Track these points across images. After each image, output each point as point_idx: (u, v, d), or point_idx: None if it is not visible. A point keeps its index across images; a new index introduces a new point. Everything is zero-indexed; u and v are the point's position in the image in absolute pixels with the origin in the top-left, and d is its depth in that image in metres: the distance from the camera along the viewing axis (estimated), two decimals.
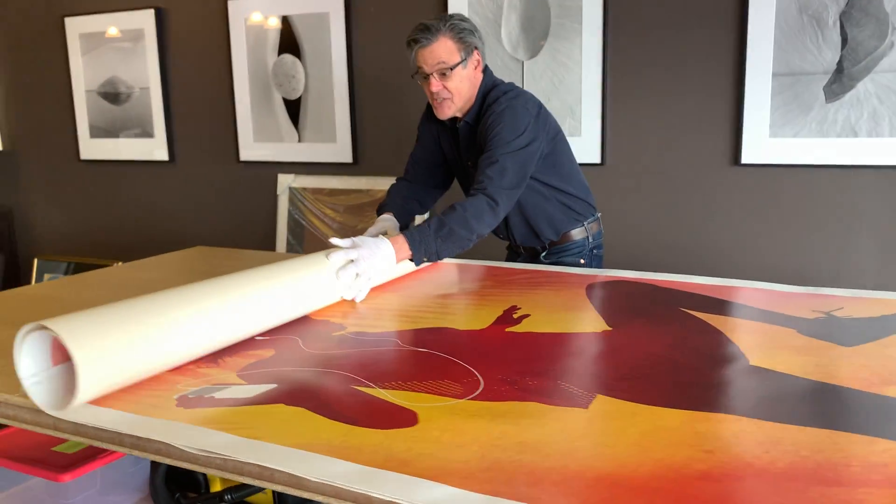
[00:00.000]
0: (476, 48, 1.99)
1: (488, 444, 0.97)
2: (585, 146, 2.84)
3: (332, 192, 3.34)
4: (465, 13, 2.95)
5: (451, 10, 2.98)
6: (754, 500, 0.83)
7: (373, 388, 1.16)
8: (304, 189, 3.40)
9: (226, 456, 0.93)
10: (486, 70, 2.05)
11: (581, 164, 2.84)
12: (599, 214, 2.25)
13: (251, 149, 3.51)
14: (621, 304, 1.68)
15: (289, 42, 3.33)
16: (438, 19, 1.95)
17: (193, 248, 2.45)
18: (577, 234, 2.16)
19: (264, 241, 3.55)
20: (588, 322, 1.50)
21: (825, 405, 1.09)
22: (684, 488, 0.85)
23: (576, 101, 2.84)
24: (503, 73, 2.92)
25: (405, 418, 1.05)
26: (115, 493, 1.69)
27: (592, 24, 2.77)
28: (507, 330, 1.46)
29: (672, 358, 1.30)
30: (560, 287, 1.79)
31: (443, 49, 1.92)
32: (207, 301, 1.32)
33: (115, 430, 1.03)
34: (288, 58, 3.35)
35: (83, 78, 3.88)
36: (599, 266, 2.23)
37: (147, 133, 3.76)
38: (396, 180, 2.20)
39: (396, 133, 3.16)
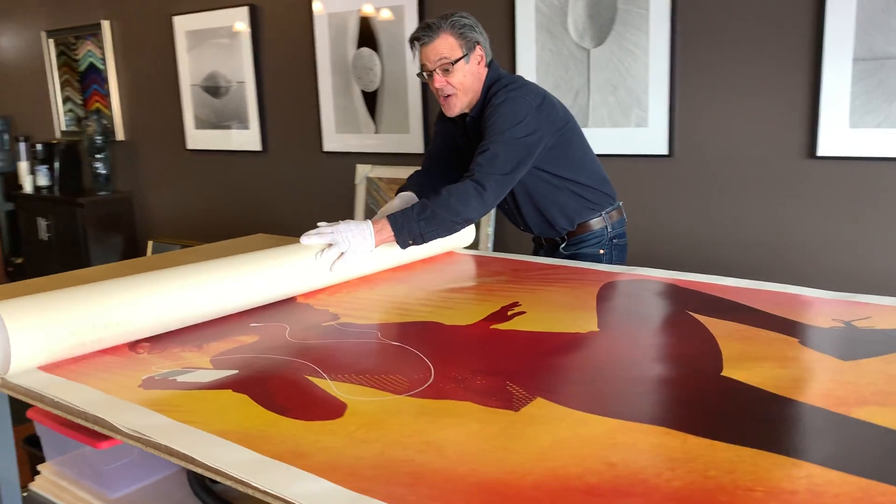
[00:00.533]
0: (478, 43, 1.99)
1: (394, 441, 0.98)
2: (652, 137, 2.74)
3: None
4: (532, 1, 2.91)
5: (517, 2, 2.95)
6: None
7: (324, 379, 1.20)
8: (380, 179, 3.48)
9: (147, 437, 1.00)
10: (491, 64, 2.05)
11: (647, 156, 2.76)
12: (620, 203, 2.20)
13: (333, 140, 3.63)
14: (626, 304, 1.62)
15: (366, 35, 3.41)
16: (440, 17, 1.97)
17: (255, 235, 2.58)
18: (595, 223, 2.13)
19: None
20: (580, 322, 1.46)
21: (770, 423, 1.02)
22: (562, 500, 0.83)
23: (642, 90, 2.73)
24: (569, 63, 2.86)
25: (332, 411, 1.08)
26: (152, 463, 1.83)
27: (660, 11, 2.65)
28: (491, 327, 1.45)
29: (640, 364, 1.25)
30: (575, 284, 1.74)
31: (444, 45, 1.94)
32: (160, 276, 1.42)
33: (69, 403, 1.12)
34: (366, 51, 3.43)
35: (189, 73, 4.16)
36: (622, 256, 2.18)
37: (243, 125, 3.98)
38: (414, 172, 2.23)
39: None
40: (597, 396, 1.12)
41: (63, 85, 4.90)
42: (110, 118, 4.63)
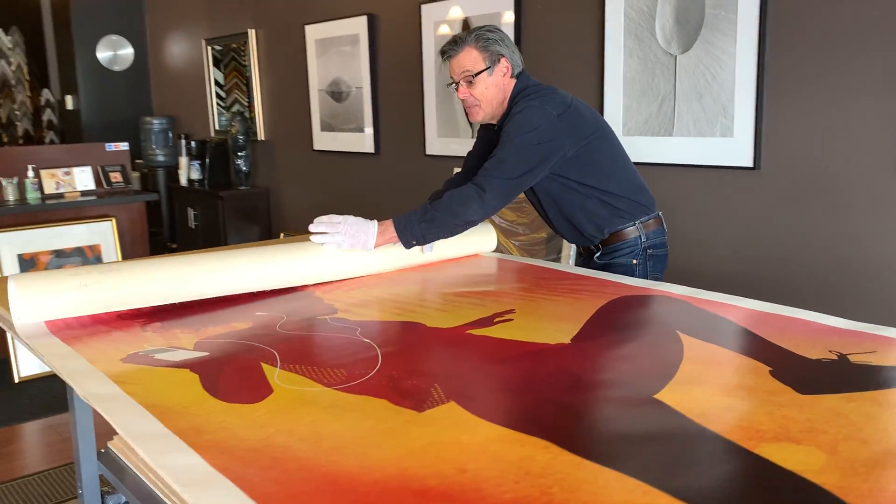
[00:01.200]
0: (503, 56, 2.00)
1: (286, 429, 1.05)
2: (737, 148, 2.59)
3: None
4: (622, 6, 2.85)
5: (607, 6, 2.90)
6: None
7: (274, 367, 1.29)
8: None
9: (91, 402, 1.14)
10: (520, 76, 2.05)
11: (731, 168, 2.62)
12: (659, 213, 2.14)
13: (435, 144, 3.75)
14: (618, 319, 1.58)
15: None
16: (468, 32, 2.02)
17: None
18: (629, 232, 2.08)
19: None
20: (557, 334, 1.45)
21: (658, 448, 0.98)
22: (385, 498, 0.86)
23: (728, 98, 2.60)
24: (655, 69, 2.78)
25: (256, 396, 1.17)
26: None
27: (749, 14, 2.51)
28: (467, 332, 1.48)
29: (579, 379, 1.24)
30: (587, 296, 1.72)
31: (467, 58, 2.00)
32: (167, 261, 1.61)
33: (52, 365, 1.30)
34: None
35: (316, 78, 4.44)
36: (658, 266, 2.12)
37: (359, 128, 4.19)
38: (454, 174, 2.30)
39: None
40: (507, 406, 1.13)
41: (231, 88, 5.36)
42: (253, 119, 5.04)
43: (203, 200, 5.10)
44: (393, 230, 1.86)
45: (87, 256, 4.10)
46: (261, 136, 5.05)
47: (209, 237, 5.02)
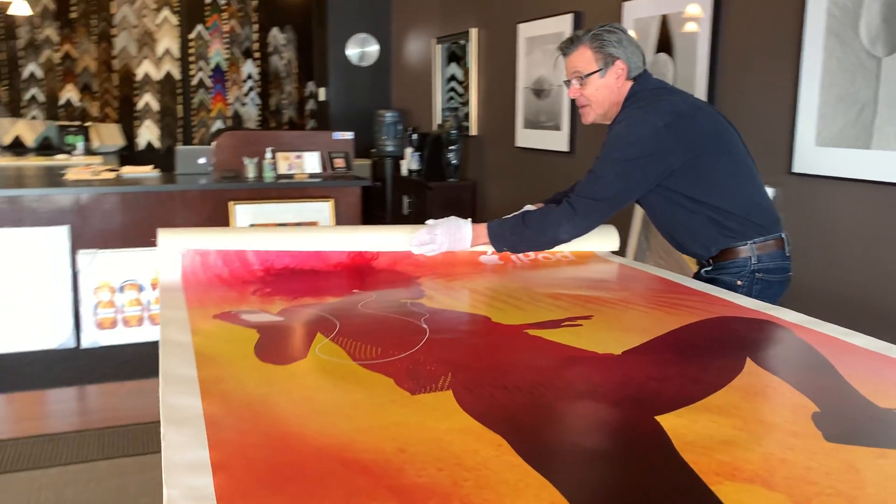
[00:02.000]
0: (619, 58, 1.90)
1: (285, 390, 1.16)
2: None
3: None
4: (825, 1, 2.57)
5: (809, 1, 2.63)
6: (333, 486, 0.88)
7: (325, 338, 1.41)
8: None
9: (160, 345, 1.34)
10: (638, 78, 1.93)
11: None
12: (782, 235, 1.95)
13: None
14: (692, 338, 1.48)
15: (664, 41, 3.35)
16: (586, 31, 1.95)
17: None
18: (739, 251, 1.92)
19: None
20: (613, 344, 1.41)
21: (605, 466, 0.94)
22: (315, 464, 0.94)
23: None
24: (856, 73, 2.48)
25: (287, 360, 1.30)
26: None
27: None
28: (525, 331, 1.49)
29: (596, 391, 1.20)
30: (684, 312, 1.63)
31: (580, 59, 1.96)
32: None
33: (158, 307, 1.54)
34: (662, 56, 3.37)
35: (523, 76, 4.53)
36: (768, 293, 1.92)
37: (556, 126, 4.21)
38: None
39: (765, 136, 2.88)
40: (493, 402, 1.13)
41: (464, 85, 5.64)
42: (467, 115, 5.26)
43: (417, 189, 5.43)
44: (486, 234, 1.91)
45: None
46: (473, 130, 5.26)
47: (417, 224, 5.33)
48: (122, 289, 4.00)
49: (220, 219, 4.39)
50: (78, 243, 4.05)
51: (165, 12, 7.40)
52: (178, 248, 1.86)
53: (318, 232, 2.01)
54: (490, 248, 2.10)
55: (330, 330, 1.46)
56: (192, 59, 7.58)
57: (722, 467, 0.94)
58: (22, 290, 3.90)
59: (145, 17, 7.37)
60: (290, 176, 4.75)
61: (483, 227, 1.94)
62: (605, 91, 1.98)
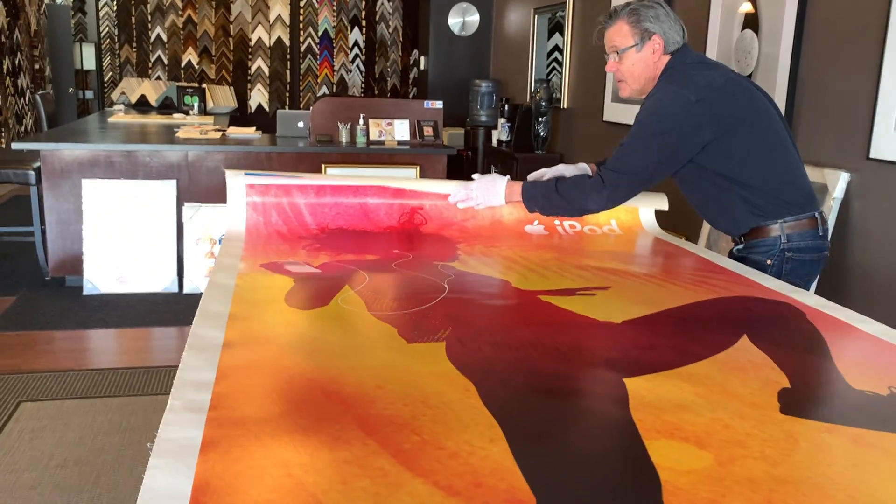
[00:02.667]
0: (656, 33, 1.90)
1: (298, 332, 1.32)
2: None
3: None
4: None
5: None
6: (310, 410, 1.02)
7: (351, 289, 1.56)
8: None
9: (208, 286, 1.53)
10: (676, 53, 1.93)
11: None
12: (815, 214, 1.93)
13: None
14: (699, 313, 1.52)
15: (750, 18, 3.27)
16: (625, 5, 1.94)
17: None
18: (770, 230, 1.92)
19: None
20: (619, 314, 1.48)
21: (550, 413, 1.03)
22: (305, 395, 1.08)
23: None
24: None
25: (310, 305, 1.45)
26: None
27: None
28: (539, 297, 1.58)
29: (580, 352, 1.29)
30: (704, 289, 1.68)
31: (616, 33, 1.96)
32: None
33: (221, 255, 1.73)
34: (748, 33, 3.29)
35: None
36: (799, 272, 1.93)
37: (639, 101, 4.17)
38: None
39: (844, 118, 2.79)
40: (476, 355, 1.24)
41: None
42: (559, 87, 5.27)
43: (504, 160, 5.51)
44: (518, 192, 1.99)
45: None
46: (564, 103, 5.26)
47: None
48: (220, 241, 4.32)
49: None
50: (184, 197, 4.39)
51: None
52: (243, 184, 2.06)
53: (372, 180, 2.17)
54: (536, 219, 2.19)
55: (358, 283, 1.61)
56: (301, 25, 7.90)
57: (665, 426, 1.02)
58: (133, 238, 4.29)
59: None
60: (380, 142, 4.93)
61: (518, 186, 2.03)
62: (640, 66, 1.99)
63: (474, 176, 2.10)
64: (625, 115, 4.38)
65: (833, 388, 1.18)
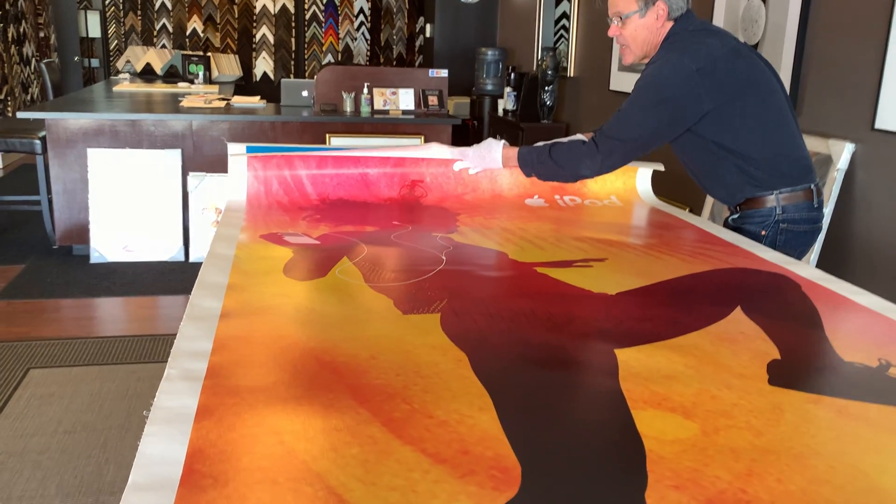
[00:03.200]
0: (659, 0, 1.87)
1: (295, 302, 1.33)
2: None
3: None
4: None
5: None
6: (303, 379, 1.04)
7: (349, 262, 1.57)
8: None
9: (207, 257, 1.54)
10: (680, 18, 1.92)
11: None
12: (811, 185, 1.93)
13: None
14: (694, 285, 1.53)
15: None
16: None
17: None
18: (765, 201, 1.92)
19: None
20: (613, 286, 1.49)
21: (541, 383, 1.05)
22: (300, 364, 1.10)
23: None
24: None
25: (308, 276, 1.46)
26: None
27: None
28: (534, 268, 1.59)
29: (572, 322, 1.30)
30: (700, 260, 1.68)
31: None
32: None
33: (221, 225, 1.74)
34: (755, 2, 3.25)
35: None
36: (793, 243, 1.94)
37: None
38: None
39: (850, 88, 2.76)
40: (471, 326, 1.26)
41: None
42: (566, 55, 5.22)
43: (510, 130, 5.48)
44: (515, 157, 2.03)
45: None
46: (571, 72, 5.22)
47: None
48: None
49: None
50: (189, 166, 4.40)
51: None
52: (244, 156, 2.07)
53: (373, 151, 2.19)
54: (536, 193, 2.19)
55: (357, 255, 1.62)
56: None
57: (653, 397, 1.03)
58: (139, 207, 4.31)
59: None
60: (385, 112, 4.91)
61: (515, 151, 2.05)
62: (643, 32, 1.97)
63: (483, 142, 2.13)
64: (629, 84, 4.34)
65: (823, 360, 1.19)
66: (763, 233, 1.94)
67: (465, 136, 6.32)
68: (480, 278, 1.54)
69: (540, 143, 2.07)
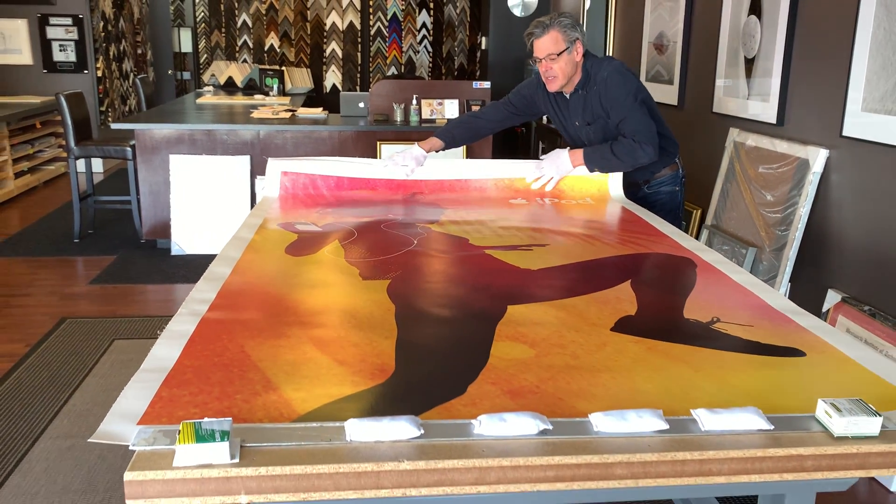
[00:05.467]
0: (578, 39, 2.47)
1: (281, 272, 1.78)
2: None
3: (752, 151, 3.47)
4: None
5: None
6: (272, 322, 1.48)
7: (338, 245, 2.02)
8: (742, 144, 3.61)
9: (231, 239, 2.02)
10: (587, 53, 2.51)
11: None
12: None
13: (721, 103, 3.85)
14: (603, 265, 1.90)
15: (756, 3, 3.50)
16: (550, 17, 2.46)
17: None
18: (676, 166, 2.74)
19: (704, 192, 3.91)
20: (540, 263, 1.88)
21: (447, 321, 1.47)
22: (275, 313, 1.55)
23: None
24: None
25: (300, 253, 1.92)
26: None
27: None
28: (485, 251, 1.99)
29: (490, 286, 1.70)
30: (628, 247, 2.05)
31: (551, 41, 2.46)
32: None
33: (252, 213, 2.22)
34: (752, 18, 3.53)
35: (648, 31, 4.76)
36: (682, 191, 2.77)
37: (670, 80, 4.44)
38: (467, 114, 2.98)
39: (824, 100, 3.02)
40: (408, 288, 1.68)
41: None
42: None
43: (552, 137, 5.84)
44: (581, 157, 2.59)
45: None
46: None
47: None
48: None
49: (370, 155, 5.13)
50: (256, 170, 4.97)
51: None
52: (279, 170, 2.56)
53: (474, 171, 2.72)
54: (520, 197, 2.61)
55: (346, 238, 2.07)
56: (371, 9, 8.40)
57: (515, 334, 1.43)
58: (213, 206, 4.91)
59: None
60: (432, 121, 5.36)
61: (579, 153, 2.60)
62: (570, 66, 2.53)
63: (542, 157, 2.70)
64: (657, 93, 4.65)
65: (665, 316, 1.55)
66: (676, 188, 2.67)
67: (514, 142, 6.71)
68: (437, 257, 1.95)
69: (599, 146, 2.62)
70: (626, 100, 2.50)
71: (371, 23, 8.45)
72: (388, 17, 8.41)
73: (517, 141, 6.66)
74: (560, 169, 2.63)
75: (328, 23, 8.42)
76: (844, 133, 2.88)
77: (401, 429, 1.05)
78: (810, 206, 3.06)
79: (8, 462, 2.41)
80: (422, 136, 5.19)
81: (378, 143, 5.15)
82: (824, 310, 2.96)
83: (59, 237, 5.20)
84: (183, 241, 4.89)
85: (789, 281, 3.17)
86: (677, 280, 1.79)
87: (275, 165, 2.61)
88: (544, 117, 6.35)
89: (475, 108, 5.41)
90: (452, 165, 2.74)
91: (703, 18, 4.06)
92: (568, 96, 2.66)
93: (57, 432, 2.60)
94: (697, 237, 3.92)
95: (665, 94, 4.49)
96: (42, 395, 2.90)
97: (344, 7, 8.36)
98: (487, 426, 1.07)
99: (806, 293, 3.15)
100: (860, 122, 2.79)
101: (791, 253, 3.12)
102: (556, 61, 2.50)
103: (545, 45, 2.50)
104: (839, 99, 2.91)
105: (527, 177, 2.69)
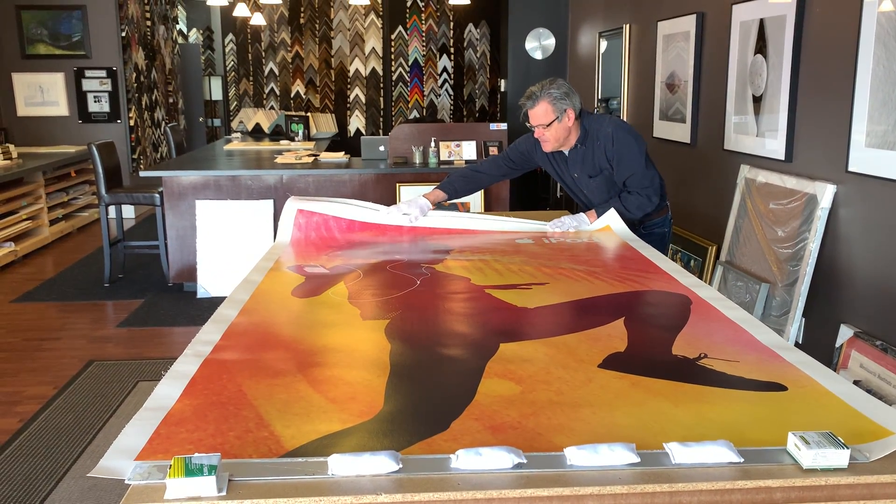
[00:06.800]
0: (568, 108, 2.61)
1: (286, 309, 1.86)
2: None
3: (762, 187, 3.50)
4: (875, 12, 2.73)
5: (864, 9, 2.79)
6: (270, 359, 1.55)
7: (344, 285, 2.09)
8: (752, 180, 3.63)
9: (240, 282, 2.10)
10: (582, 112, 2.66)
11: None
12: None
13: (731, 139, 3.90)
14: (598, 303, 1.94)
15: (761, 42, 3.56)
16: (540, 88, 2.61)
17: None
18: (666, 210, 2.96)
19: (714, 224, 3.93)
20: (538, 301, 1.93)
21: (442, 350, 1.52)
22: (265, 341, 1.62)
23: None
24: None
25: (307, 294, 1.99)
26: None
27: None
28: (485, 290, 2.05)
29: (484, 323, 1.76)
30: (627, 284, 2.09)
31: (541, 112, 2.63)
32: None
33: (266, 256, 2.30)
34: (759, 58, 3.58)
35: (660, 70, 4.83)
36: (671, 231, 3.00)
37: (682, 119, 4.49)
38: (468, 167, 3.08)
39: (830, 136, 3.05)
40: (409, 327, 1.74)
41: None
42: (620, 105, 5.62)
43: None
44: (595, 215, 2.76)
45: (458, 210, 5.29)
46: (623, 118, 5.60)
47: (561, 205, 5.82)
48: None
49: (389, 197, 5.24)
50: (279, 214, 5.10)
51: (372, 15, 8.49)
52: (294, 208, 2.67)
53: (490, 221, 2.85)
54: (528, 237, 2.67)
55: (352, 279, 2.14)
56: (393, 56, 8.62)
57: (504, 372, 1.47)
58: (238, 249, 5.04)
59: (356, 20, 8.51)
60: (450, 162, 5.47)
61: (593, 213, 2.79)
62: (563, 131, 2.69)
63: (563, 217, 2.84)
64: (670, 131, 4.71)
65: (653, 353, 1.58)
66: (666, 230, 2.86)
67: (533, 181, 6.78)
68: (438, 296, 2.01)
69: (611, 202, 2.78)
70: (635, 158, 2.71)
71: (393, 68, 8.67)
72: (410, 63, 8.62)
73: (537, 181, 6.73)
74: (580, 225, 2.79)
75: (352, 69, 8.65)
76: (850, 168, 2.91)
77: (381, 463, 1.10)
78: (820, 241, 3.07)
79: (32, 501, 2.49)
80: (440, 177, 5.30)
81: (397, 184, 5.26)
82: (837, 345, 2.95)
83: (90, 282, 5.37)
84: (208, 284, 5.02)
85: (802, 316, 3.17)
86: (670, 317, 1.83)
87: (292, 205, 2.71)
88: None
89: (492, 151, 5.52)
90: (468, 219, 2.88)
91: (712, 58, 4.12)
92: (566, 152, 2.82)
93: (80, 472, 2.68)
94: (713, 274, 3.93)
95: (679, 132, 4.54)
96: (67, 436, 2.99)
97: (367, 54, 8.60)
98: (464, 460, 1.12)
99: (819, 328, 3.14)
100: (865, 158, 2.82)
101: (803, 288, 3.12)
102: (547, 129, 2.69)
103: (536, 115, 2.67)
104: (844, 135, 2.94)
105: (547, 229, 2.81)
